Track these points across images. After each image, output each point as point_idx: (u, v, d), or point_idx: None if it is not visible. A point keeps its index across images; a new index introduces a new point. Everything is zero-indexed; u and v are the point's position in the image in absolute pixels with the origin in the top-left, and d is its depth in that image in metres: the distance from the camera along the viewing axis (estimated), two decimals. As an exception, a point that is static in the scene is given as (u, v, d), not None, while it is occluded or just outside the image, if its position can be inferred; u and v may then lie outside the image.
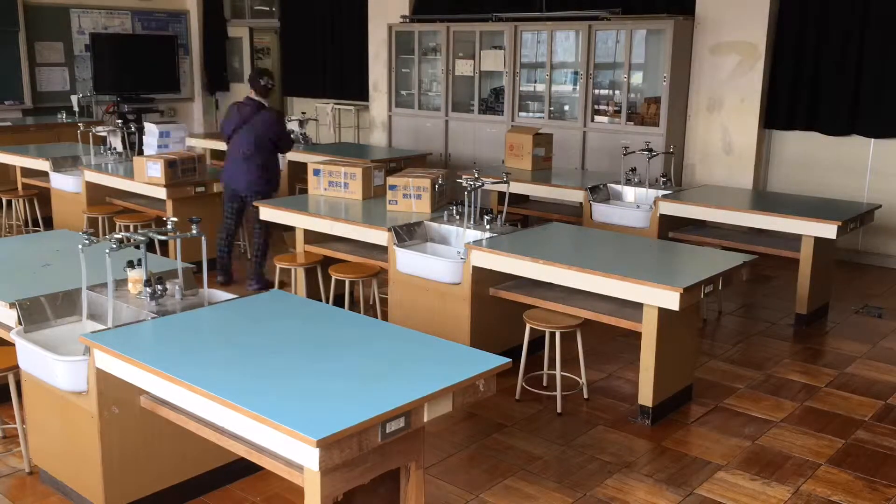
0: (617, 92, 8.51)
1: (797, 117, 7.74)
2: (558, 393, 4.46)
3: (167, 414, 3.05)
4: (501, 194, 6.47)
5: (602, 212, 6.46)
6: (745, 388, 4.81)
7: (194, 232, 3.39)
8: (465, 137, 9.59)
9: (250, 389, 2.67)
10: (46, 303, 3.58)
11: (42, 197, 7.87)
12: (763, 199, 6.74)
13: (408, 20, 10.09)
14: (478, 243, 4.75)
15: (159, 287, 3.52)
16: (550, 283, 4.46)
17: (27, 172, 8.10)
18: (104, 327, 3.30)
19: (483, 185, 5.05)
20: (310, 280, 5.67)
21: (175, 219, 3.42)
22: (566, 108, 9.03)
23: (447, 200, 5.55)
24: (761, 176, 7.97)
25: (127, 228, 6.48)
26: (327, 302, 5.60)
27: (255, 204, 6.03)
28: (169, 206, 6.54)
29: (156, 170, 6.42)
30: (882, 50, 7.18)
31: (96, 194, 7.28)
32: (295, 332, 3.23)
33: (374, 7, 10.54)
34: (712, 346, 5.47)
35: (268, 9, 12.70)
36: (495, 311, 4.81)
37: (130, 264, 3.54)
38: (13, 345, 3.48)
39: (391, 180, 5.58)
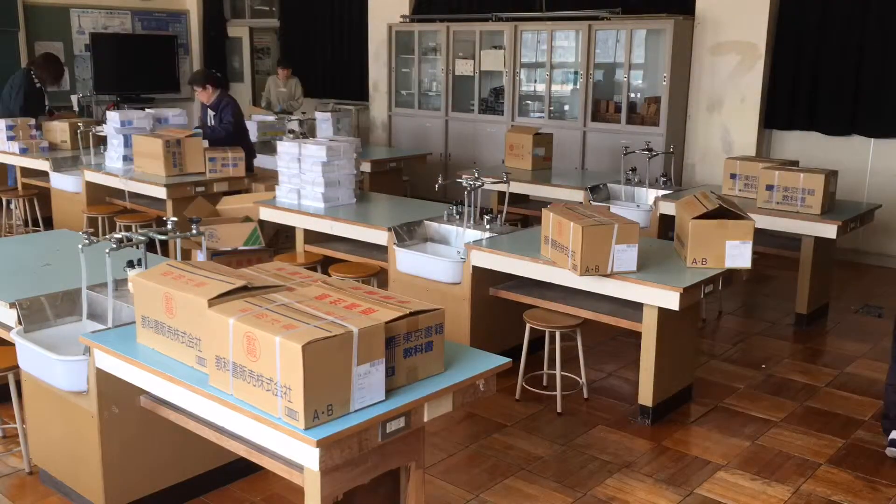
0: (618, 92, 8.51)
1: (797, 117, 7.74)
2: (558, 393, 4.46)
3: (167, 414, 3.05)
4: (501, 194, 6.47)
5: (602, 212, 6.46)
6: (745, 387, 4.81)
7: (194, 232, 3.39)
8: (465, 137, 9.59)
9: (250, 389, 2.67)
10: (46, 303, 3.58)
11: (42, 197, 7.87)
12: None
13: (408, 20, 10.10)
14: (478, 243, 4.75)
15: (159, 287, 3.52)
16: (550, 283, 4.46)
17: (27, 172, 8.10)
18: (104, 327, 3.30)
19: (483, 185, 5.05)
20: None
21: (175, 219, 3.41)
22: (566, 108, 9.03)
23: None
24: (761, 176, 7.97)
25: (127, 228, 6.47)
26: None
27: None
28: (169, 206, 6.54)
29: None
30: (882, 50, 7.18)
31: (96, 194, 7.28)
32: (295, 332, 3.23)
33: (374, 7, 10.55)
34: (712, 346, 5.47)
35: (268, 9, 12.70)
36: (495, 311, 4.81)
37: (130, 264, 3.54)
38: (13, 345, 3.48)
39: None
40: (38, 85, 8.65)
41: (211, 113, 7.23)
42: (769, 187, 5.62)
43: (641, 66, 8.49)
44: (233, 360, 2.55)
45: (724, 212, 4.24)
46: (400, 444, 2.73)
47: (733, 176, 6.16)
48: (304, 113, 10.32)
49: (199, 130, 7.16)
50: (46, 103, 8.85)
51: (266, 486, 3.64)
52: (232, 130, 7.04)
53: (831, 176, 5.55)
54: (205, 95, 7.14)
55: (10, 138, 8.02)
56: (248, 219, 5.89)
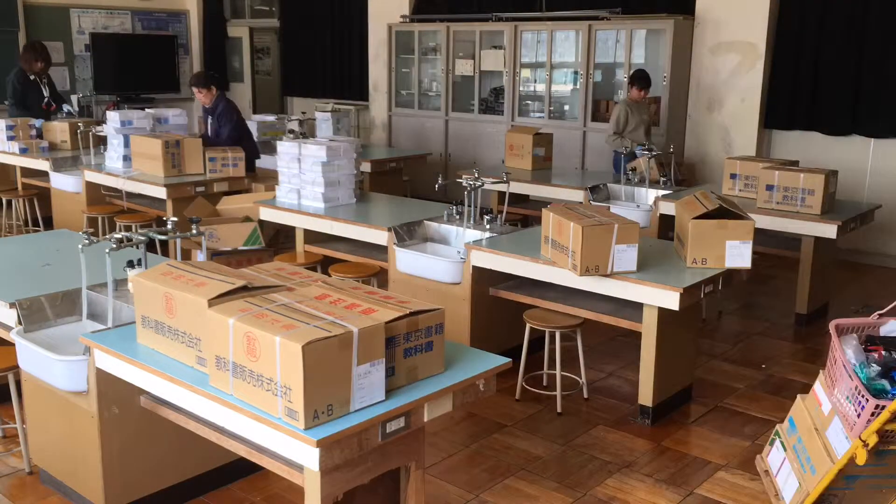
0: (618, 92, 8.51)
1: (797, 117, 7.74)
2: (558, 393, 4.46)
3: (167, 414, 3.05)
4: (501, 194, 6.47)
5: (602, 212, 6.45)
6: (745, 387, 4.81)
7: (194, 232, 3.40)
8: (465, 137, 9.59)
9: (250, 389, 2.68)
10: (46, 303, 3.58)
11: (42, 197, 7.87)
12: (763, 199, 6.72)
13: (408, 20, 10.10)
14: (478, 243, 4.75)
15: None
16: (550, 283, 4.46)
17: (27, 172, 8.10)
18: (104, 327, 3.30)
19: (483, 185, 5.05)
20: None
21: (175, 219, 3.42)
22: (566, 108, 9.03)
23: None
24: (761, 176, 7.96)
25: (127, 228, 6.47)
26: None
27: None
28: (169, 206, 6.54)
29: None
30: (882, 50, 7.18)
31: (96, 194, 7.28)
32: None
33: (374, 7, 10.54)
34: (712, 346, 5.47)
35: (268, 9, 12.70)
36: (495, 311, 4.81)
37: (130, 264, 3.54)
38: (13, 345, 3.48)
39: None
40: (33, 77, 8.64)
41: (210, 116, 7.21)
42: (769, 187, 5.63)
43: (641, 66, 8.47)
44: (233, 360, 2.55)
45: (724, 212, 4.24)
46: (400, 444, 2.73)
47: (733, 176, 6.16)
48: (303, 113, 10.33)
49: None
50: (45, 95, 8.79)
51: (266, 486, 3.64)
52: (235, 136, 6.99)
53: (831, 176, 5.55)
54: (208, 97, 7.05)
55: (10, 138, 8.02)
56: (248, 219, 5.89)
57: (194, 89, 7.14)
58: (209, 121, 7.18)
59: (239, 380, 2.55)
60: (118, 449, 3.25)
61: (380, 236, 5.19)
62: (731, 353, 5.38)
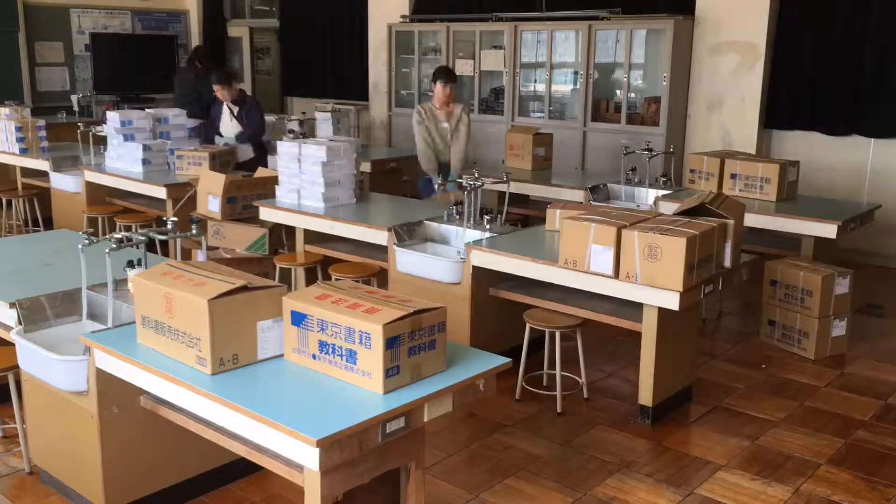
0: (617, 92, 8.51)
1: (797, 117, 7.73)
2: (558, 393, 4.46)
3: (167, 414, 3.05)
4: (501, 194, 6.46)
5: (602, 212, 6.45)
6: (745, 388, 4.81)
7: (194, 232, 3.40)
8: (464, 137, 9.56)
9: (250, 389, 2.68)
10: (46, 303, 3.58)
11: (42, 197, 7.87)
12: (763, 199, 6.73)
13: (408, 20, 10.09)
14: (478, 243, 4.75)
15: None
16: (550, 283, 4.45)
17: (27, 172, 8.10)
18: (104, 327, 3.30)
19: (483, 185, 5.05)
20: (309, 280, 5.67)
21: (175, 219, 3.42)
22: (566, 108, 9.03)
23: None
24: (761, 176, 7.96)
25: (127, 228, 6.47)
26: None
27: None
28: (169, 206, 6.54)
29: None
30: (882, 50, 7.18)
31: (96, 194, 7.28)
32: (295, 332, 3.23)
33: (374, 7, 10.54)
34: (712, 346, 5.47)
35: (268, 9, 12.70)
36: (495, 311, 4.81)
37: (130, 264, 3.54)
38: (13, 345, 3.48)
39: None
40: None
41: (232, 109, 7.22)
42: (733, 175, 6.10)
43: (641, 66, 8.48)
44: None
45: (706, 210, 4.23)
46: (400, 444, 2.73)
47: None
48: (303, 113, 10.33)
49: (224, 137, 7.25)
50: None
51: (266, 486, 3.64)
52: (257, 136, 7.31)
53: (789, 165, 5.97)
54: (232, 92, 7.15)
55: (19, 139, 7.96)
56: (262, 224, 5.84)
57: (220, 85, 7.13)
58: (228, 112, 7.23)
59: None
60: (118, 449, 3.25)
61: (380, 236, 5.19)
62: (731, 353, 5.38)
